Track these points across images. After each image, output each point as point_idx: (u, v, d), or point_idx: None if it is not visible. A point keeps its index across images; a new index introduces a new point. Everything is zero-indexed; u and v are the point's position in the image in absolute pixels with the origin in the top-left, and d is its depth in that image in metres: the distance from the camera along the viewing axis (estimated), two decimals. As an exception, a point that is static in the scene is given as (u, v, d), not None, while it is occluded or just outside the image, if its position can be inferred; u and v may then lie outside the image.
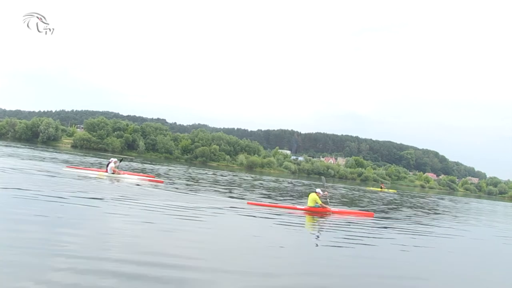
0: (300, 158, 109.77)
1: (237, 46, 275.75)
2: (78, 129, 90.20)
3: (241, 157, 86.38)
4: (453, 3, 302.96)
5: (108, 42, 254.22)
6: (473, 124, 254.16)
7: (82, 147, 73.54)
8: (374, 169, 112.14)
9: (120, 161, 20.40)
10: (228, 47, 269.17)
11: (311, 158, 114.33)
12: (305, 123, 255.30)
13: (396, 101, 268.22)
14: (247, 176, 41.61)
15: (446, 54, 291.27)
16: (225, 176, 35.49)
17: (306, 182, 47.04)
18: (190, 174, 32.08)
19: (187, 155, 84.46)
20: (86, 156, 42.14)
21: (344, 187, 43.47)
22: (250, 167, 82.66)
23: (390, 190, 46.24)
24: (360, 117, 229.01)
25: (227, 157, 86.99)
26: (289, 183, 37.73)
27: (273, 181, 37.29)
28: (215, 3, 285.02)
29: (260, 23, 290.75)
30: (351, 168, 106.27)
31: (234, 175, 39.26)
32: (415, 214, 19.40)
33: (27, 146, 48.24)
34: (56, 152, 41.98)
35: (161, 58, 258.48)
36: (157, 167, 36.99)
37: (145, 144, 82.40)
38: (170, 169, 35.20)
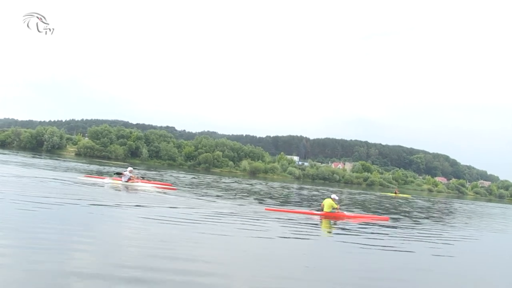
0: (306, 164, 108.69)
1: (246, 53, 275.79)
2: (85, 138, 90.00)
3: (244, 163, 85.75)
4: (463, 6, 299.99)
5: (117, 51, 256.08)
6: (486, 127, 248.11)
7: (86, 155, 73.39)
8: (381, 173, 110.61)
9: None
10: (237, 54, 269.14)
11: (316, 163, 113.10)
12: (314, 129, 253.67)
13: (406, 105, 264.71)
14: (254, 182, 40.89)
15: (456, 57, 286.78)
16: (233, 182, 34.93)
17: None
18: (199, 180, 31.65)
19: (190, 161, 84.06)
20: (89, 164, 41.67)
21: (358, 193, 42.61)
22: (253, 173, 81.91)
23: (405, 195, 45.61)
24: (370, 122, 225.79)
25: (230, 163, 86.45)
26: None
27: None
28: (225, 11, 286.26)
29: (269, 30, 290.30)
30: (357, 173, 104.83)
31: (240, 182, 38.65)
32: (436, 218, 18.79)
33: (33, 155, 47.97)
34: (57, 160, 41.53)
35: (170, 66, 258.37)
36: (161, 173, 36.39)
37: (148, 151, 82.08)
38: (177, 176, 34.69)
